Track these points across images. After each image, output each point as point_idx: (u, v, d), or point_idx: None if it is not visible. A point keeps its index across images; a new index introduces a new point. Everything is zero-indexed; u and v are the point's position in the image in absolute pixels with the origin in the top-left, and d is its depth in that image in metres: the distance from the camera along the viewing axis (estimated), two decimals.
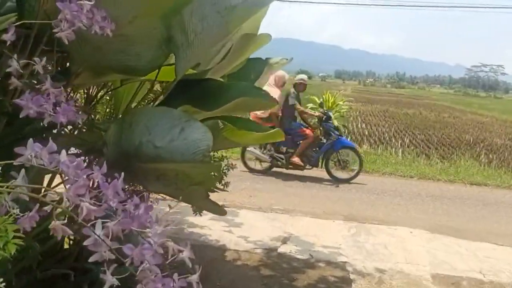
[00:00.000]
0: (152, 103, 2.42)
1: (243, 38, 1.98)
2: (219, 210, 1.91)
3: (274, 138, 2.34)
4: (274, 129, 2.32)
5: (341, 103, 9.05)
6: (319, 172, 7.58)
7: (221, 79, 2.19)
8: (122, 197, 1.09)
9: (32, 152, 0.96)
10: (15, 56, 1.32)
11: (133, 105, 3.17)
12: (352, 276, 3.50)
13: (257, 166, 7.16)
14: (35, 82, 1.41)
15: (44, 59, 1.29)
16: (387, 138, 13.54)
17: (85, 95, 2.90)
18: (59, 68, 2.31)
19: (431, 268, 3.74)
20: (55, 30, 1.26)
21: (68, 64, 2.35)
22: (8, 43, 1.25)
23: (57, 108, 1.19)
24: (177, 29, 1.71)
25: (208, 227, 4.29)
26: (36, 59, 1.28)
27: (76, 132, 2.13)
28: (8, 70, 1.31)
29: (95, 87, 2.73)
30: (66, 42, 1.24)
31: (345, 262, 3.75)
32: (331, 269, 3.62)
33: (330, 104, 8.61)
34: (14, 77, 1.35)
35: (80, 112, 1.48)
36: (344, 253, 3.96)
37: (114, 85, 2.67)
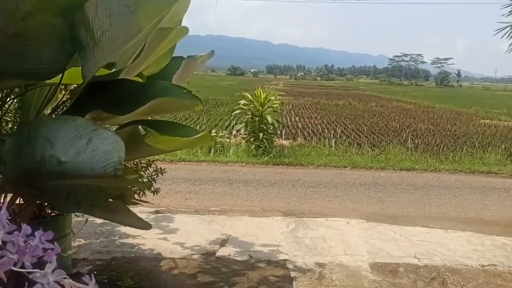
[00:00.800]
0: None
1: (158, 33, 1.82)
2: (143, 225, 1.74)
3: (204, 142, 2.20)
4: (203, 132, 2.17)
5: (273, 98, 9.04)
6: (256, 168, 7.55)
7: (138, 79, 2.01)
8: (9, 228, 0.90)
9: None
10: None
11: (46, 112, 2.90)
12: (292, 274, 3.44)
13: None
14: None
15: None
16: (320, 129, 13.79)
17: None
18: None
19: (369, 257, 3.76)
20: None
21: None
22: None
23: None
24: (81, 26, 1.52)
25: (141, 236, 4.06)
26: None
27: None
28: None
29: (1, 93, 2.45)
30: None
31: (285, 260, 3.69)
32: (271, 268, 3.53)
33: (262, 100, 8.58)
34: None
35: None
36: (284, 250, 3.90)
37: (20, 91, 2.41)
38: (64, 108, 2.75)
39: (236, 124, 9.29)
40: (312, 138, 11.64)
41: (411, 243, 4.11)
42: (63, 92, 2.95)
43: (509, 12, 5.16)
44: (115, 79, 1.79)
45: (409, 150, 9.54)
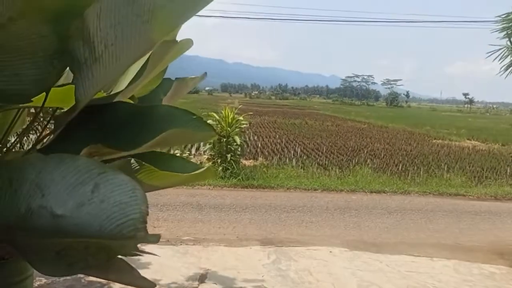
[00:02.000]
0: (35, 141, 1.82)
1: (162, 47, 1.52)
2: (147, 284, 1.40)
3: (205, 178, 1.89)
4: (206, 167, 1.87)
5: (241, 118, 8.78)
6: (224, 191, 7.23)
7: (131, 101, 1.69)
8: None
9: None
10: None
11: (11, 140, 2.49)
12: None
13: None
14: None
15: None
16: (280, 149, 13.62)
17: None
18: None
19: None
20: None
21: None
22: None
23: None
24: (78, 38, 1.20)
25: None
26: None
27: None
28: None
29: None
30: None
31: None
32: None
33: (230, 120, 8.29)
34: None
35: None
36: (269, 286, 3.59)
37: None
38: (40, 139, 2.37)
39: (205, 144, 8.93)
40: (272, 157, 11.44)
41: (400, 274, 3.92)
42: (29, 115, 2.57)
43: (504, 35, 5.19)
44: (112, 102, 1.47)
45: (375, 171, 9.50)
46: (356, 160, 11.42)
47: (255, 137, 16.85)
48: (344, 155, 12.86)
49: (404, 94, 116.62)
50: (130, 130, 1.38)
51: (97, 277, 1.40)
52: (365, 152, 13.62)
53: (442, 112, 68.43)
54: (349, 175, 9.07)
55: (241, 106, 10.13)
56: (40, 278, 3.39)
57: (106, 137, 1.33)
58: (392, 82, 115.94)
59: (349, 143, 16.07)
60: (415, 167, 10.53)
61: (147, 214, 0.97)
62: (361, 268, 4.03)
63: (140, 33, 1.24)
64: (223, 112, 8.53)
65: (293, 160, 10.86)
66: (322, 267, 4.03)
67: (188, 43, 1.74)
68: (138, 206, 0.97)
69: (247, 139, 15.89)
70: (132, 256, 1.43)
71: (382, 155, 13.04)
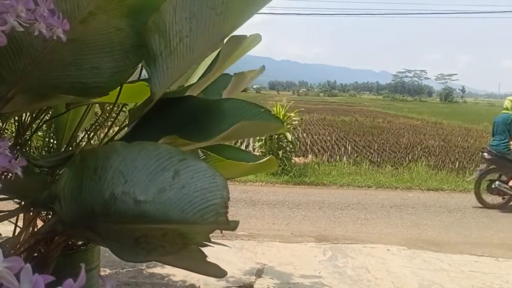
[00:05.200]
0: (110, 133, 1.89)
1: (231, 42, 1.53)
2: (219, 272, 1.43)
3: (268, 168, 1.90)
4: (268, 157, 1.88)
5: (292, 114, 8.75)
6: (276, 188, 7.24)
7: (202, 96, 1.72)
8: None
9: None
10: None
11: (80, 135, 2.61)
12: None
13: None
14: None
15: None
16: (330, 146, 13.47)
17: (17, 124, 2.30)
18: None
19: None
20: None
21: None
22: None
23: None
24: (154, 31, 1.23)
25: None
26: None
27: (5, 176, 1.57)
28: None
29: (29, 113, 2.16)
30: None
31: None
32: None
33: (281, 117, 8.28)
34: None
35: (18, 156, 0.97)
36: (327, 282, 3.56)
37: (56, 109, 2.12)
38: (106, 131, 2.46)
39: (255, 142, 8.98)
40: (322, 155, 11.34)
41: (463, 274, 3.77)
42: (99, 110, 2.67)
43: None
44: (183, 96, 1.50)
45: (432, 169, 9.21)
46: (410, 157, 11.12)
47: (304, 135, 16.76)
48: (397, 152, 12.56)
49: (459, 89, 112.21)
50: (203, 123, 1.40)
51: (170, 264, 1.44)
52: (419, 149, 13.23)
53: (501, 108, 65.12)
54: (403, 172, 8.84)
55: (292, 102, 10.09)
56: (105, 269, 3.53)
57: (179, 129, 1.36)
58: (446, 77, 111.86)
59: (402, 140, 15.66)
60: (474, 165, 10.10)
61: (228, 200, 0.98)
62: (422, 267, 3.91)
63: (214, 25, 1.26)
64: (274, 109, 8.54)
65: (344, 157, 10.73)
66: (380, 265, 3.95)
67: (256, 38, 1.75)
68: (219, 192, 0.98)
69: (296, 136, 15.85)
70: (204, 246, 1.45)
71: (438, 152, 12.62)
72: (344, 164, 9.69)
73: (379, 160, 10.71)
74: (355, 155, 11.38)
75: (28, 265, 0.47)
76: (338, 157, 10.79)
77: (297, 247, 4.43)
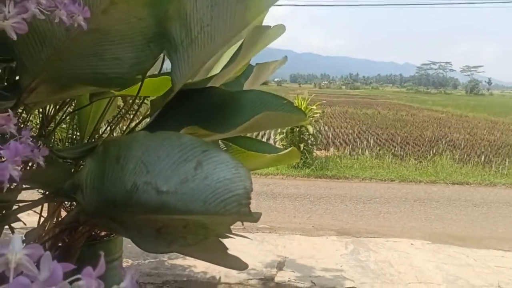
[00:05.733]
0: (132, 124, 1.90)
1: (254, 32, 1.51)
2: (241, 265, 1.42)
3: (290, 160, 1.87)
4: (289, 149, 1.85)
5: (314, 107, 8.68)
6: (297, 181, 7.21)
7: (224, 87, 1.71)
8: None
9: None
10: None
11: (103, 127, 2.62)
12: None
13: None
14: None
15: None
16: (352, 139, 13.34)
17: (41, 117, 2.33)
18: (5, 84, 1.75)
19: (447, 286, 3.36)
20: None
21: (17, 77, 1.79)
22: None
23: (4, 150, 0.67)
24: (175, 20, 1.21)
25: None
26: None
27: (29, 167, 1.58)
28: None
29: (52, 105, 2.17)
30: (14, 37, 0.73)
31: None
32: None
33: (303, 109, 8.22)
34: None
35: (40, 145, 0.97)
36: (349, 276, 3.52)
37: (79, 101, 2.13)
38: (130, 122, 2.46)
39: (276, 134, 8.95)
40: (344, 148, 11.24)
41: (489, 270, 3.68)
42: (121, 103, 2.68)
43: None
44: (205, 87, 1.49)
45: (457, 162, 9.03)
46: (434, 151, 10.93)
47: (326, 128, 16.63)
48: (421, 145, 12.36)
49: (485, 82, 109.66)
50: (224, 114, 1.38)
51: (192, 256, 1.43)
52: (444, 142, 13.00)
53: None
54: (427, 166, 8.69)
55: (313, 95, 10.01)
56: (127, 260, 3.56)
57: (201, 119, 1.34)
58: (472, 69, 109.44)
59: (426, 133, 15.40)
60: (500, 158, 9.87)
61: (251, 191, 0.96)
62: (446, 262, 3.84)
63: (235, 13, 1.24)
64: (295, 101, 8.48)
65: (366, 150, 10.61)
66: (404, 259, 3.89)
67: (280, 29, 1.72)
68: (242, 182, 0.96)
69: (318, 129, 15.73)
70: (225, 238, 1.44)
71: (463, 146, 12.38)
72: (367, 157, 9.59)
73: (402, 153, 10.56)
74: (378, 148, 11.25)
75: (48, 252, 0.46)
76: (360, 150, 10.69)
77: (319, 240, 4.40)
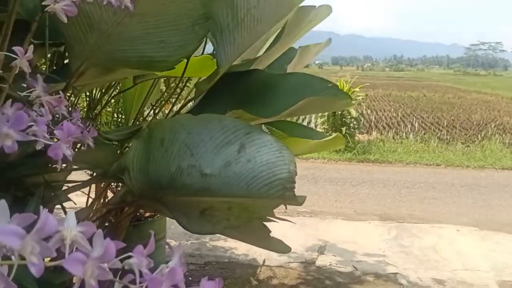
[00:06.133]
0: (176, 106, 1.92)
1: (298, 12, 1.48)
2: (284, 248, 1.42)
3: (335, 146, 1.85)
4: (334, 135, 1.82)
5: (357, 90, 8.51)
6: (339, 165, 7.13)
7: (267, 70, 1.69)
8: None
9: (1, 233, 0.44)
10: None
11: (147, 110, 2.67)
12: None
13: None
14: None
15: (31, 49, 0.78)
16: (395, 123, 13.02)
17: (88, 100, 2.40)
18: (54, 67, 1.81)
19: (494, 274, 3.25)
20: (45, 3, 0.76)
21: (65, 60, 1.84)
22: None
23: (57, 130, 0.68)
24: (221, 2, 1.21)
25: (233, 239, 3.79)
26: (17, 48, 0.77)
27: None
28: None
29: (98, 88, 2.23)
30: (65, 20, 0.74)
31: (396, 274, 3.27)
32: (382, 283, 3.13)
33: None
34: None
35: (90, 127, 0.99)
36: (392, 261, 3.48)
37: (123, 84, 2.18)
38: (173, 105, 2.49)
39: (317, 118, 8.88)
40: (388, 132, 10.98)
41: None
42: (164, 85, 2.72)
43: None
44: (249, 70, 1.48)
45: (507, 147, 8.66)
46: (483, 135, 10.52)
47: (369, 111, 16.29)
48: (468, 129, 11.92)
49: None
50: (268, 98, 1.37)
51: (235, 238, 1.44)
52: (493, 126, 12.46)
53: None
54: (475, 150, 8.38)
55: (356, 78, 9.81)
56: (170, 240, 3.65)
57: (245, 103, 1.34)
58: None
59: (474, 116, 14.81)
60: None
61: (296, 175, 0.95)
62: (494, 249, 3.71)
63: None
64: (338, 84, 8.34)
65: (411, 134, 10.35)
66: (449, 246, 3.79)
67: (326, 10, 1.68)
68: (286, 166, 0.95)
69: (360, 112, 15.44)
70: (268, 221, 1.44)
71: None
72: (411, 141, 9.36)
73: (448, 137, 10.23)
74: (423, 132, 10.94)
75: (100, 230, 0.47)
76: (404, 134, 10.43)
77: (361, 225, 4.35)
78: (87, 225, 0.47)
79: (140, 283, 0.48)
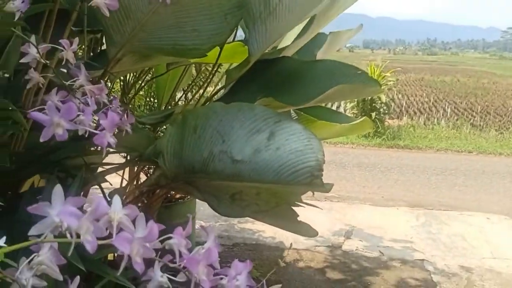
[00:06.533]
0: (204, 93, 1.97)
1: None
2: (311, 232, 1.46)
3: (362, 130, 1.86)
4: (362, 118, 1.83)
5: (388, 74, 8.38)
6: (368, 151, 7.09)
7: (295, 57, 1.71)
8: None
9: (61, 214, 0.49)
10: (33, 38, 0.87)
11: (178, 94, 2.73)
12: (435, 278, 3.02)
13: None
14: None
15: (76, 41, 0.83)
16: (427, 108, 12.77)
17: (122, 84, 2.47)
18: (91, 53, 1.87)
19: None
20: None
21: (100, 48, 1.91)
22: (18, 16, 0.80)
23: (102, 119, 0.73)
24: None
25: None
26: (63, 41, 0.82)
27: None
28: (23, 60, 0.86)
29: (132, 73, 2.30)
30: (107, 13, 0.79)
31: (423, 260, 3.27)
32: (408, 269, 3.15)
33: (376, 77, 7.97)
34: (32, 70, 0.91)
35: (127, 113, 1.04)
36: (419, 248, 3.47)
37: (156, 70, 2.24)
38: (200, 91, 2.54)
39: (346, 102, 8.81)
40: (419, 117, 10.79)
41: None
42: (194, 72, 2.77)
43: None
44: (278, 57, 1.50)
45: None
46: None
47: (400, 96, 15.99)
48: (503, 115, 11.60)
49: None
50: (297, 85, 1.40)
51: (263, 221, 1.49)
52: None
53: None
54: (510, 137, 8.18)
55: (387, 62, 9.66)
56: (200, 221, 3.75)
57: (275, 91, 1.37)
58: None
59: (510, 102, 14.36)
60: None
61: (324, 163, 0.98)
62: None
63: None
64: (368, 68, 8.23)
65: (442, 120, 10.15)
66: (478, 234, 3.75)
67: None
68: (315, 154, 0.99)
69: (391, 97, 15.17)
70: (296, 206, 1.48)
71: None
72: (442, 127, 9.19)
73: (482, 124, 10.00)
74: (455, 118, 10.72)
75: (142, 213, 0.51)
76: (435, 119, 10.25)
77: (388, 211, 4.35)
78: (131, 208, 0.52)
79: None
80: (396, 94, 16.34)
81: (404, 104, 13.74)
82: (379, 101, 8.11)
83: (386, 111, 8.42)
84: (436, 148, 7.25)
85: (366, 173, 5.80)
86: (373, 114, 7.95)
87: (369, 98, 8.07)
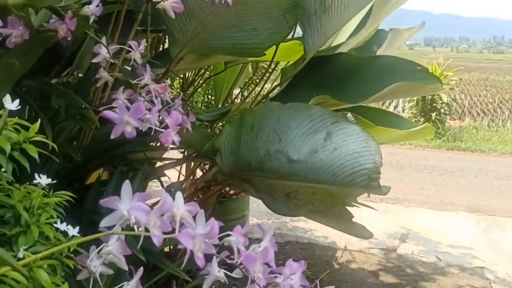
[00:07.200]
0: (262, 91, 1.99)
1: None
2: (366, 234, 1.44)
3: (423, 136, 1.81)
4: (423, 125, 1.78)
5: (450, 73, 8.06)
6: (426, 152, 6.86)
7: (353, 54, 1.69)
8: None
9: (132, 209, 0.52)
10: (104, 39, 0.92)
11: (235, 91, 2.77)
12: (495, 287, 2.88)
13: None
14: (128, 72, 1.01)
15: (143, 43, 0.87)
16: (491, 109, 12.15)
17: (181, 82, 2.54)
18: (153, 51, 1.94)
19: None
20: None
21: (162, 47, 1.97)
22: (92, 20, 0.85)
23: (167, 118, 0.76)
24: None
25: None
26: (132, 42, 0.86)
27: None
28: (95, 60, 0.92)
29: (191, 71, 2.36)
30: (172, 15, 0.82)
31: (483, 268, 3.13)
32: (466, 276, 3.02)
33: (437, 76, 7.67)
34: (102, 69, 0.96)
35: (188, 112, 1.07)
36: (478, 255, 3.33)
37: (215, 68, 2.28)
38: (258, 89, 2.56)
39: (405, 102, 8.57)
40: (482, 118, 10.29)
41: None
42: (251, 69, 2.80)
43: None
44: (334, 54, 1.49)
45: None
46: None
47: (462, 96, 15.32)
48: None
49: None
50: (355, 82, 1.39)
51: (317, 221, 1.48)
52: None
53: None
54: None
55: (450, 60, 9.29)
56: (252, 218, 3.78)
57: (331, 88, 1.36)
58: None
59: None
60: None
61: (381, 165, 0.97)
62: None
63: None
64: (429, 67, 7.94)
65: (508, 122, 9.63)
66: None
67: None
68: (372, 156, 0.98)
69: (453, 97, 14.57)
70: (351, 206, 1.47)
71: None
72: (508, 130, 8.72)
73: None
74: None
75: (203, 210, 0.53)
76: (500, 121, 9.73)
77: (447, 215, 4.19)
78: (192, 205, 0.54)
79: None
80: (459, 94, 15.66)
81: (467, 104, 13.15)
82: (440, 101, 7.81)
83: (447, 112, 8.10)
84: (500, 152, 6.90)
85: (424, 176, 5.61)
86: (433, 115, 7.67)
87: (429, 97, 7.79)
